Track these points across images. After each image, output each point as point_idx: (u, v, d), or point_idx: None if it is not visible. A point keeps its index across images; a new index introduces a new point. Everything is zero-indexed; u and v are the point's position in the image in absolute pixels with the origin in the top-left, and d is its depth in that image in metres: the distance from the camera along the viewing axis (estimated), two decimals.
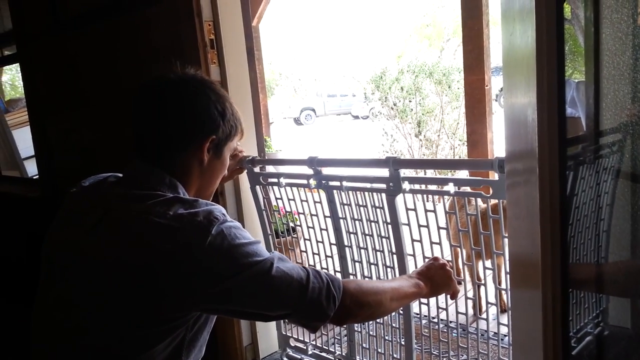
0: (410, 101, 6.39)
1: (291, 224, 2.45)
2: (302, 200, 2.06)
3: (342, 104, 20.29)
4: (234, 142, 1.17)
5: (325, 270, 1.07)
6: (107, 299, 0.94)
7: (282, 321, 2.21)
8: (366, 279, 1.90)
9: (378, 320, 1.90)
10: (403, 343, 1.83)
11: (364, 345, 2.00)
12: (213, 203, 1.02)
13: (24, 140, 4.38)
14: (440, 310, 1.75)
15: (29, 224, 3.23)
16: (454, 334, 2.24)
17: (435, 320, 1.77)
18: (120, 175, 1.11)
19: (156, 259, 0.91)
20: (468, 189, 1.68)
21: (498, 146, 4.24)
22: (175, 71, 1.10)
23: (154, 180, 1.03)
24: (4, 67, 6.14)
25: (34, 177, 4.12)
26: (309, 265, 2.23)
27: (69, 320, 0.98)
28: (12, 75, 9.92)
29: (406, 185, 1.68)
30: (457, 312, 1.76)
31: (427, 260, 1.33)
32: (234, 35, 2.07)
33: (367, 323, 1.97)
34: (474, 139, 4.07)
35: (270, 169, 2.45)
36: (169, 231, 0.92)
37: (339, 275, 1.91)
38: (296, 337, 2.24)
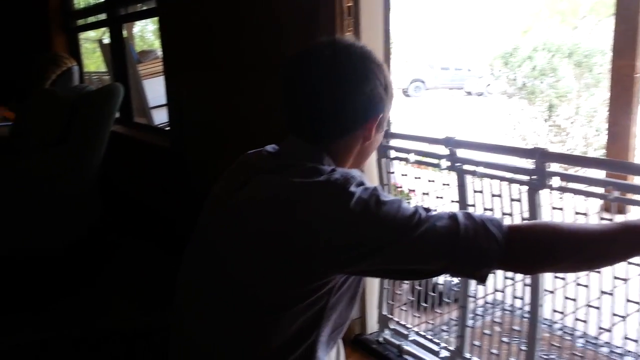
0: (541, 82, 5.88)
1: None
2: (429, 180, 1.97)
3: (454, 77, 19.38)
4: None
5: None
6: (248, 258, 0.95)
7: (384, 300, 2.12)
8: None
9: (494, 317, 1.77)
10: (524, 348, 1.70)
11: (475, 342, 1.89)
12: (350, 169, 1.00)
13: (152, 90, 4.68)
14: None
15: (161, 172, 3.43)
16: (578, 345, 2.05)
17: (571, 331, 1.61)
18: (277, 147, 1.10)
19: (294, 221, 0.91)
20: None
21: None
22: (329, 40, 1.03)
23: (308, 158, 1.01)
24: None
25: (160, 126, 4.40)
26: None
27: (212, 272, 1.01)
28: (142, 27, 10.62)
29: (556, 182, 1.52)
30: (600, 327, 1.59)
31: None
32: (373, 3, 1.97)
33: (478, 318, 1.82)
34: (615, 131, 3.67)
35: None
36: (306, 191, 0.92)
37: None
38: (397, 320, 2.12)
